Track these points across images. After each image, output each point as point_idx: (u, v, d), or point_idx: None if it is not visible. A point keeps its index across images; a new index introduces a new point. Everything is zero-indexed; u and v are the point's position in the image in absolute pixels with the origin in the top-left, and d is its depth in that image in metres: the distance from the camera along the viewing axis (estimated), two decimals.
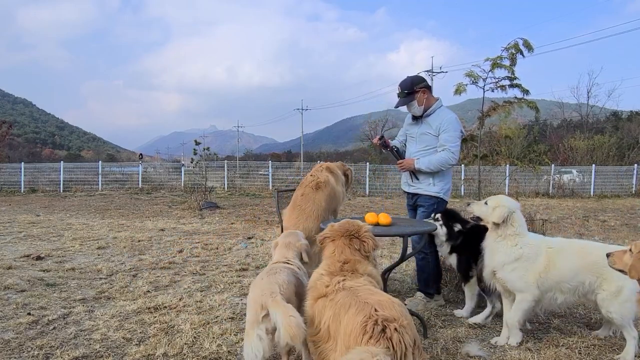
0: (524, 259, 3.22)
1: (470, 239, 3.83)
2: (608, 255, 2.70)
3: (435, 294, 4.16)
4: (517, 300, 3.28)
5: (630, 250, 2.53)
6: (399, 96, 4.08)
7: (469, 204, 3.62)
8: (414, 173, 4.13)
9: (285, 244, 3.09)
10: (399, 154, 4.27)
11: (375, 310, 1.89)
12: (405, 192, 4.37)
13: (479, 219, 3.49)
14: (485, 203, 3.46)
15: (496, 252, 3.32)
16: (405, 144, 4.34)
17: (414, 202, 4.24)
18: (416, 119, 4.17)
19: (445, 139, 3.95)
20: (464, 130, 4.05)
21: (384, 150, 4.43)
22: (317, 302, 2.14)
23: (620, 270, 2.57)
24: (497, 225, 3.30)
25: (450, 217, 3.98)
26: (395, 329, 1.81)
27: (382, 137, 4.29)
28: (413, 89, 4.00)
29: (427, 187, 4.09)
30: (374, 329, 1.81)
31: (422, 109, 4.06)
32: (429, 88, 4.11)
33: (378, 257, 4.29)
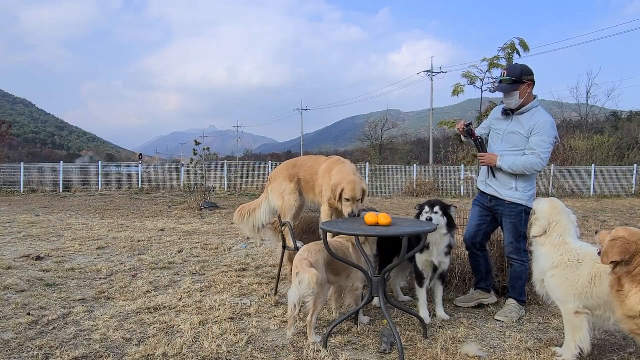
0: (563, 267, 2.99)
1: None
2: (596, 232, 2.81)
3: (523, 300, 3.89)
4: (564, 317, 3.04)
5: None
6: (501, 82, 3.72)
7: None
8: (493, 170, 3.83)
9: None
10: (483, 147, 3.89)
11: None
12: (480, 190, 4.04)
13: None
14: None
15: (538, 259, 3.18)
16: (487, 138, 4.02)
17: (490, 204, 3.90)
18: (506, 114, 3.82)
19: (537, 142, 3.62)
20: (559, 138, 3.76)
21: (464, 139, 4.04)
22: None
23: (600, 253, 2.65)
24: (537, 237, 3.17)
25: (444, 205, 3.83)
26: None
27: (470, 124, 3.86)
28: (522, 78, 3.63)
29: (509, 193, 3.74)
30: None
31: (519, 103, 3.70)
32: (534, 84, 3.76)
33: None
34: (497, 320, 3.76)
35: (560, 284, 2.99)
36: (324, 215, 4.07)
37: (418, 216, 3.89)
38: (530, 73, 3.71)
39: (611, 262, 2.50)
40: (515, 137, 3.73)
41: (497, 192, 3.80)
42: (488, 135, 4.04)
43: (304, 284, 3.21)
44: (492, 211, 3.93)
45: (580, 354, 2.95)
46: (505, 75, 3.70)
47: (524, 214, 3.71)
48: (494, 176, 3.83)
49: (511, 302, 3.86)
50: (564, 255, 3.02)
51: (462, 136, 4.00)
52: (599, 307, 2.86)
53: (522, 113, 3.73)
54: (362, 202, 3.81)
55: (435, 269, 3.86)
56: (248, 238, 7.67)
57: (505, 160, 3.69)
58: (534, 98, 3.78)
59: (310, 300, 3.24)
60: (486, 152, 3.87)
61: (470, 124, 3.89)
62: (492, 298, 4.06)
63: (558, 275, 3.01)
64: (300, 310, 3.71)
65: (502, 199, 3.78)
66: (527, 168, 3.64)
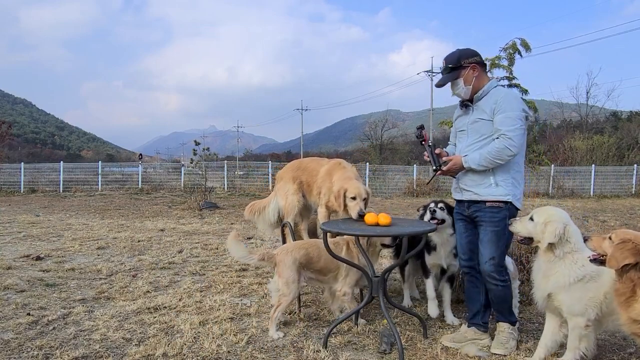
0: (586, 279, 2.73)
1: None
2: (586, 239, 2.67)
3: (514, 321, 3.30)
4: (571, 328, 2.82)
5: (610, 238, 2.50)
6: (442, 72, 3.27)
7: (510, 224, 3.01)
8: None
9: None
10: (433, 154, 3.24)
11: None
12: (455, 200, 3.42)
13: (529, 240, 2.94)
14: (531, 219, 2.91)
15: (551, 274, 2.82)
16: (456, 144, 3.44)
17: (469, 212, 3.24)
18: (465, 106, 3.28)
19: (501, 121, 3.02)
20: (528, 111, 3.16)
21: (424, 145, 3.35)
22: None
23: (595, 260, 2.57)
24: (552, 245, 2.79)
25: (449, 205, 3.64)
26: None
27: (421, 127, 3.38)
28: (460, 63, 3.15)
29: (488, 191, 3.10)
30: None
31: (469, 90, 3.17)
32: (482, 65, 3.24)
33: (380, 257, 4.27)
34: (496, 354, 3.15)
35: (583, 297, 2.75)
36: (321, 216, 4.11)
37: (422, 217, 3.85)
38: (472, 55, 3.19)
39: (623, 266, 2.38)
40: (479, 125, 3.17)
41: (474, 194, 3.17)
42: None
43: (272, 280, 3.51)
44: (473, 220, 3.28)
45: (583, 358, 2.90)
46: (444, 64, 3.24)
47: (510, 215, 3.10)
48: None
49: (504, 327, 3.24)
50: (585, 266, 2.73)
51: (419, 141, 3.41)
52: (615, 312, 2.67)
53: (481, 98, 3.19)
54: (366, 204, 3.77)
55: (443, 271, 3.82)
56: (249, 238, 7.67)
57: (471, 158, 3.11)
58: (490, 79, 3.26)
59: (274, 296, 3.48)
60: (438, 161, 3.23)
61: (422, 126, 3.43)
62: (486, 340, 3.26)
63: (581, 289, 2.75)
64: (300, 310, 3.72)
65: (482, 201, 3.14)
66: (496, 157, 3.01)
